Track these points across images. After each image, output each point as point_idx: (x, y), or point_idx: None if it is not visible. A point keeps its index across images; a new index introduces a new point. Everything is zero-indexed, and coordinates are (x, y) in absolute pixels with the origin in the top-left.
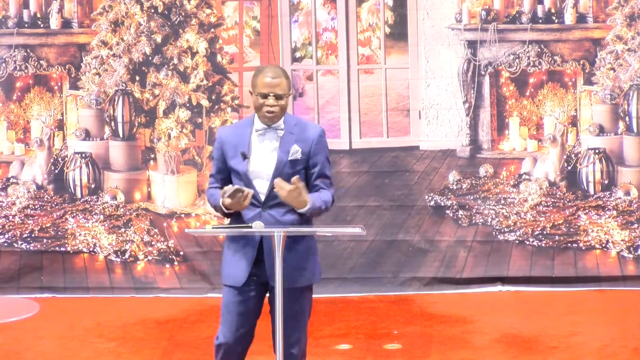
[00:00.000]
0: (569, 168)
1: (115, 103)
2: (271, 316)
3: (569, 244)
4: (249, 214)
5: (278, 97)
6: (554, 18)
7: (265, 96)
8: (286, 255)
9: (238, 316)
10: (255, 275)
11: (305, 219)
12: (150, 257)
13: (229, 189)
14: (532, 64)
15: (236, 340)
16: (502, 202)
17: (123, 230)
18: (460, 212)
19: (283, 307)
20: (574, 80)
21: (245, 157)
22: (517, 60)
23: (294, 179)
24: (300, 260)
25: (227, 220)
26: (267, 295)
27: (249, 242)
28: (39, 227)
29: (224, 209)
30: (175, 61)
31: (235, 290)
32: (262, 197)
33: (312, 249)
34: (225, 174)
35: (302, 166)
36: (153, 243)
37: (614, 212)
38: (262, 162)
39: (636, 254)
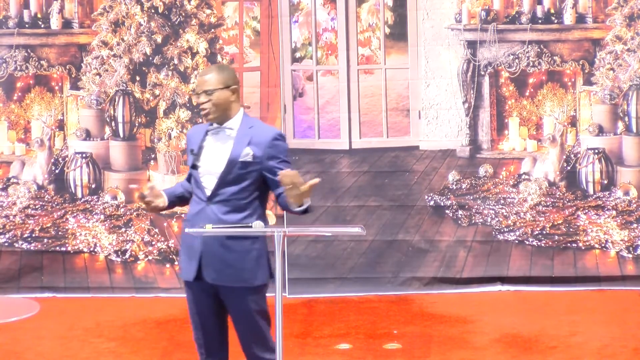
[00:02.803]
0: (569, 168)
1: (116, 103)
2: (230, 316)
3: (569, 244)
4: (196, 208)
5: (208, 93)
6: (553, 18)
7: (198, 95)
8: (224, 254)
9: (196, 314)
10: (202, 272)
11: (244, 220)
12: (150, 257)
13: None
14: (531, 64)
15: (205, 338)
16: (502, 202)
17: (123, 230)
18: (460, 212)
19: (230, 306)
20: (573, 80)
21: (192, 153)
22: (516, 60)
23: (313, 181)
24: (239, 261)
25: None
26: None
27: (194, 238)
28: (40, 227)
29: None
30: (176, 61)
31: (188, 286)
32: (208, 193)
33: (257, 250)
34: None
35: (254, 168)
36: (153, 243)
37: (614, 212)
38: (212, 159)
39: (635, 253)
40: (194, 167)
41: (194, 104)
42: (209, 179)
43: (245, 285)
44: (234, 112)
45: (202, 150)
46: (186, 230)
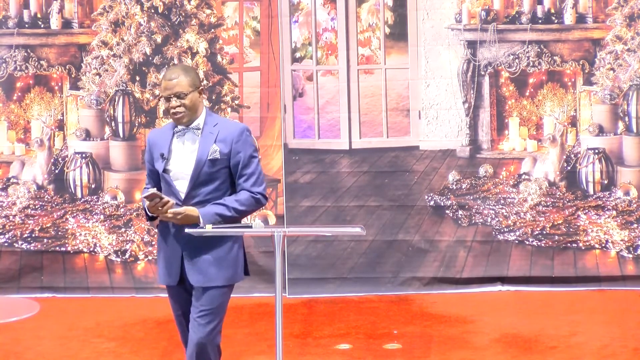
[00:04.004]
0: (569, 168)
1: (116, 103)
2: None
3: (569, 244)
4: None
5: (179, 97)
6: (553, 18)
7: (167, 99)
8: (207, 255)
9: (182, 316)
10: (183, 275)
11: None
12: (150, 257)
13: (147, 191)
14: (531, 64)
15: None
16: (502, 202)
17: (123, 230)
18: (460, 212)
19: (198, 300)
20: (573, 80)
21: (163, 157)
22: (516, 60)
23: (169, 205)
24: (222, 260)
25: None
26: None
27: (176, 241)
28: (40, 227)
29: (147, 211)
30: (176, 61)
31: (171, 290)
32: (182, 196)
33: (233, 249)
34: (155, 176)
35: (222, 165)
36: (153, 243)
37: (614, 212)
38: (182, 162)
39: (636, 253)
40: (165, 171)
41: (165, 107)
42: (181, 183)
43: (228, 283)
44: (200, 112)
45: (172, 154)
46: (186, 230)
